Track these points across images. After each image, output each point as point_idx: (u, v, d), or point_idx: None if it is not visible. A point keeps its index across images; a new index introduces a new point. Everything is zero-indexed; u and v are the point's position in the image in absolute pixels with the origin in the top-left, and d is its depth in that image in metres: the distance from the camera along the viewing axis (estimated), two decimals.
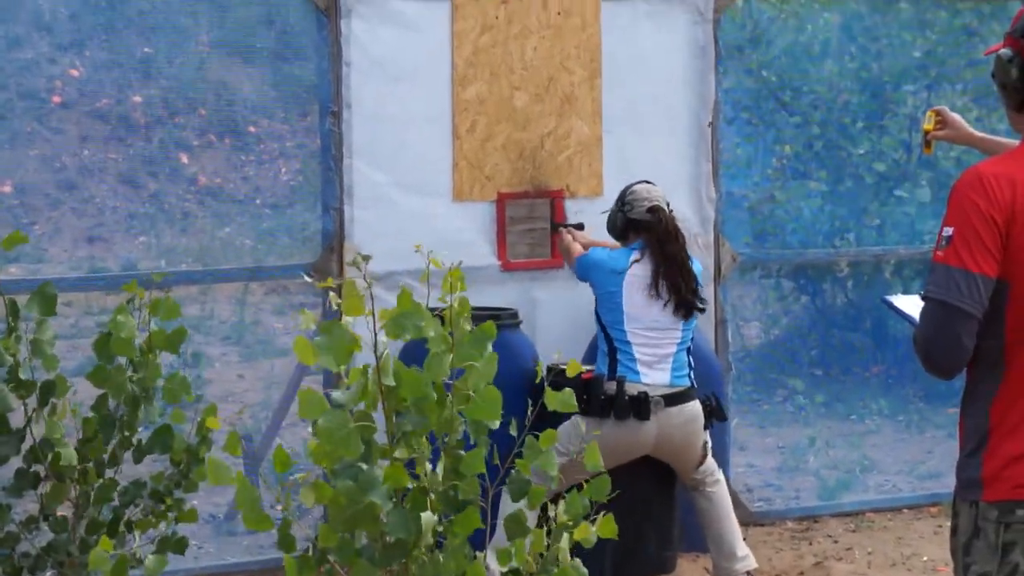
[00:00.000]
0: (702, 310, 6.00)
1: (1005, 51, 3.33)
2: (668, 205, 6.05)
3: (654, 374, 5.90)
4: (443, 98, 6.61)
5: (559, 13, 6.79)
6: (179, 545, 5.71)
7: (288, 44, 6.93)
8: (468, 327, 3.77)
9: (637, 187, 6.10)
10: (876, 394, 7.65)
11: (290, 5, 6.63)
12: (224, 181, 9.18)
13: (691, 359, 6.00)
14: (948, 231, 3.25)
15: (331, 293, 3.85)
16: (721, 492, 6.07)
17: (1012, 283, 3.22)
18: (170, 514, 5.71)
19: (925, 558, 6.52)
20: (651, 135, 6.94)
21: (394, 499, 3.59)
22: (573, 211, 6.82)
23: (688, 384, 5.93)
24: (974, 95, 7.66)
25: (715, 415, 6.01)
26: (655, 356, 5.90)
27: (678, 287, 5.92)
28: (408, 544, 3.58)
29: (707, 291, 6.91)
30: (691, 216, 6.92)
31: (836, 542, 6.82)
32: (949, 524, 3.39)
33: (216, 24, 7.74)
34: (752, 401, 7.63)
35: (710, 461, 6.04)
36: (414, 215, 6.56)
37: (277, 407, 7.00)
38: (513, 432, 4.03)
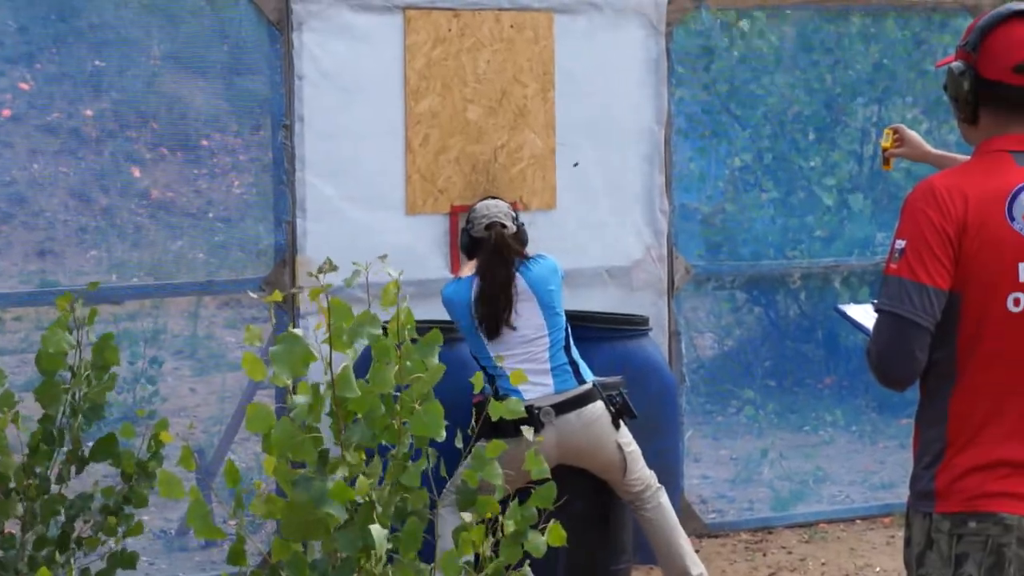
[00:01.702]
0: (513, 328, 5.82)
1: (957, 64, 3.34)
2: (515, 219, 5.97)
3: (536, 389, 5.76)
4: (396, 111, 6.60)
5: (512, 26, 6.80)
6: (129, 560, 5.68)
7: (240, 58, 6.89)
8: (412, 338, 3.77)
9: (479, 204, 6.05)
10: (829, 405, 7.68)
11: (242, 19, 6.60)
12: (176, 195, 9.14)
13: (574, 357, 5.86)
14: (901, 243, 3.25)
15: (296, 295, 3.87)
16: (662, 512, 5.94)
17: (964, 295, 3.23)
18: (120, 529, 5.69)
19: (878, 569, 6.54)
20: (604, 148, 6.95)
21: (346, 513, 3.58)
22: (526, 224, 6.82)
23: (575, 385, 5.80)
24: (924, 107, 7.70)
25: (624, 413, 5.85)
26: (530, 370, 5.72)
27: (492, 307, 5.81)
28: (358, 559, 3.57)
29: (660, 304, 6.93)
30: (645, 228, 6.93)
31: (790, 553, 6.83)
32: (902, 535, 3.39)
33: (168, 37, 7.71)
34: (706, 412, 7.63)
35: (643, 472, 5.91)
36: (367, 228, 6.55)
37: (230, 421, 6.96)
38: (459, 444, 4.04)
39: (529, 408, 5.61)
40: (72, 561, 5.77)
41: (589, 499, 6.11)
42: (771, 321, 7.94)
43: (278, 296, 3.88)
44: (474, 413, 5.52)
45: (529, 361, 5.81)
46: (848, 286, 7.78)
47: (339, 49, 6.51)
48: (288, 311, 6.50)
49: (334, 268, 3.81)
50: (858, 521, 7.28)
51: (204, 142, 9.15)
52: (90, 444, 5.78)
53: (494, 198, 6.16)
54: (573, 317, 6.62)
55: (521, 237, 6.00)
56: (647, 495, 5.95)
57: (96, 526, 5.80)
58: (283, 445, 3.56)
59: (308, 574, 3.58)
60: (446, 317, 6.53)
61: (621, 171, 6.94)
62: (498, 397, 5.70)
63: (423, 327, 4.12)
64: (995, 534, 3.22)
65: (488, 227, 5.92)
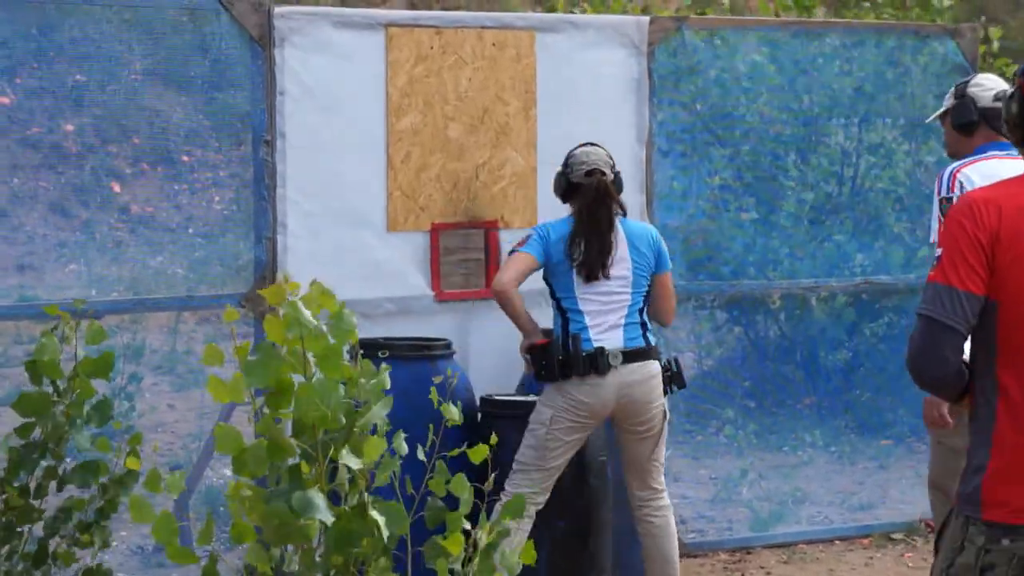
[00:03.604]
0: (607, 277, 5.94)
1: (1007, 90, 3.59)
2: (612, 168, 6.05)
3: (607, 337, 5.91)
4: (377, 128, 6.60)
5: (494, 44, 6.81)
6: (103, 575, 5.66)
7: (222, 73, 6.88)
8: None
9: (578, 150, 6.11)
10: (809, 426, 7.68)
11: (224, 34, 6.59)
12: (156, 210, 9.13)
13: (646, 319, 6.00)
14: (938, 252, 3.47)
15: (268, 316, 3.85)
16: (667, 525, 6.04)
17: (1000, 303, 3.38)
18: (96, 541, 5.68)
19: None
20: None
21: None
22: (507, 241, 6.83)
23: (643, 345, 5.95)
24: (904, 128, 7.72)
25: (675, 380, 6.03)
26: (606, 322, 5.92)
27: (590, 251, 5.91)
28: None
29: None
30: None
31: (768, 573, 6.83)
32: (889, 549, 3.44)
33: (149, 53, 7.69)
34: (686, 432, 7.63)
35: (661, 474, 6.03)
36: (348, 245, 6.55)
37: (208, 439, 6.94)
38: (421, 456, 4.04)
39: (600, 350, 5.82)
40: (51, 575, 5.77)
41: (570, 518, 6.15)
42: (751, 341, 7.94)
43: (234, 314, 3.88)
44: (534, 356, 5.91)
45: (608, 312, 5.93)
46: (827, 306, 7.79)
47: (321, 65, 6.51)
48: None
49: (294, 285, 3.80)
50: (837, 542, 7.29)
51: (185, 158, 9.13)
52: (69, 460, 5.79)
53: (593, 144, 6.17)
54: (551, 335, 6.63)
55: (618, 184, 6.09)
56: (661, 498, 6.04)
57: (71, 540, 5.80)
58: (254, 462, 3.55)
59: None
60: (426, 334, 6.54)
61: None
62: (567, 338, 5.89)
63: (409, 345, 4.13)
64: (1021, 552, 3.35)
65: (589, 174, 5.98)
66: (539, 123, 6.87)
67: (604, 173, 6.00)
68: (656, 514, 6.01)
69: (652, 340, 6.00)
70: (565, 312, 5.97)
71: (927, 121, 6.24)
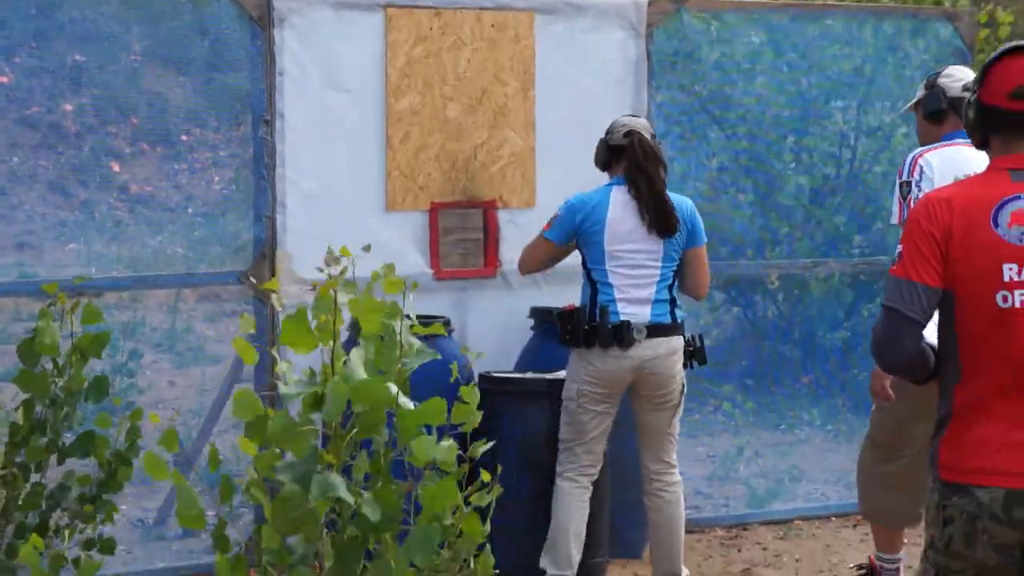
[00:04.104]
0: (678, 231, 6.00)
1: (968, 97, 3.97)
2: (652, 134, 6.09)
3: (634, 309, 5.97)
4: (376, 108, 6.64)
5: (493, 25, 6.83)
6: (106, 546, 5.70)
7: (221, 54, 6.90)
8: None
9: (619, 118, 6.17)
10: (806, 404, 7.72)
11: (223, 15, 6.61)
12: (156, 189, 9.15)
13: (675, 295, 6.06)
14: (899, 248, 3.81)
15: (273, 295, 3.91)
16: (677, 501, 6.08)
17: (957, 294, 3.75)
18: (98, 515, 5.72)
19: (851, 565, 6.59)
20: (584, 147, 6.91)
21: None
22: (506, 221, 6.87)
23: (669, 321, 6.00)
24: (903, 112, 7.75)
25: (696, 356, 6.09)
26: (635, 297, 5.98)
27: (652, 207, 5.95)
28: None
29: None
30: None
31: (765, 549, 6.88)
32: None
33: (148, 33, 7.70)
34: (685, 411, 7.66)
35: (674, 449, 6.09)
36: (347, 224, 6.56)
37: (208, 414, 6.99)
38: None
39: (627, 324, 5.89)
40: (53, 547, 5.81)
41: None
42: (749, 321, 7.98)
43: (275, 284, 3.91)
44: (562, 322, 5.99)
45: (636, 286, 5.99)
46: (825, 286, 7.83)
47: (320, 46, 6.54)
48: (267, 303, 6.53)
49: (367, 248, 3.87)
50: (833, 519, 7.34)
51: (184, 137, 9.15)
52: (68, 435, 5.83)
53: (634, 116, 6.25)
54: (549, 313, 6.68)
55: (661, 158, 6.08)
56: (673, 473, 6.08)
57: (73, 514, 5.85)
58: (279, 437, 3.57)
59: (289, 559, 3.61)
60: (425, 312, 6.57)
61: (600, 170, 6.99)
62: (594, 308, 5.95)
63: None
64: (970, 509, 3.75)
65: (628, 134, 6.01)
66: (537, 104, 6.91)
67: (643, 134, 6.02)
68: (668, 489, 6.06)
69: (679, 316, 6.05)
70: (595, 283, 6.03)
71: (902, 110, 6.32)
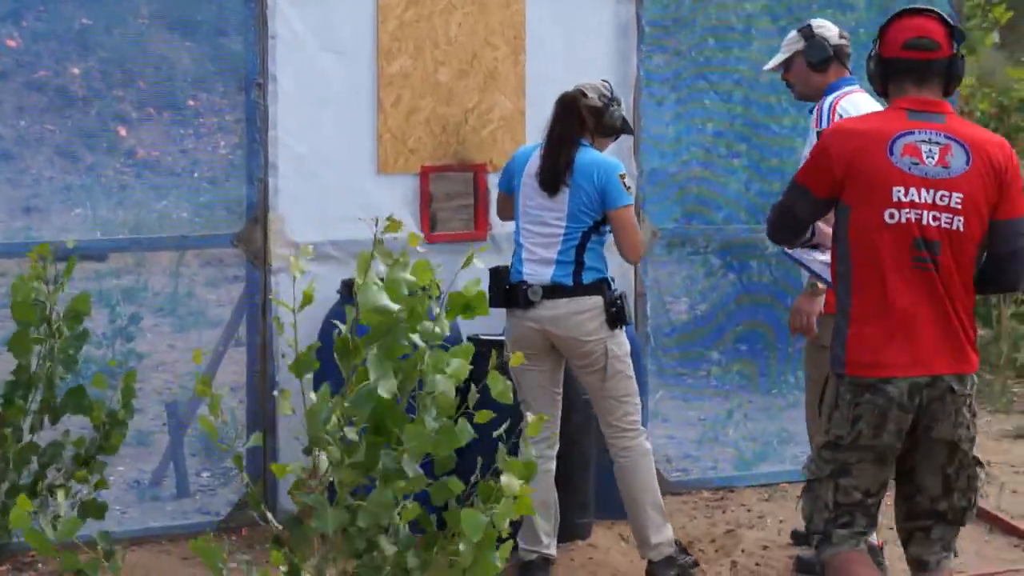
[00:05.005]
0: (566, 187, 5.90)
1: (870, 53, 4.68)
2: (608, 99, 5.99)
3: (537, 270, 5.94)
4: (368, 72, 6.69)
5: None
6: (99, 510, 5.80)
7: (225, 18, 6.97)
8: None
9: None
10: (797, 368, 7.77)
11: None
12: (162, 154, 9.25)
13: (584, 258, 5.93)
14: (806, 158, 4.66)
15: (292, 257, 4.15)
16: (633, 467, 5.94)
17: (852, 209, 4.47)
18: (91, 478, 5.82)
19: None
20: None
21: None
22: (494, 185, 6.92)
23: (570, 282, 5.91)
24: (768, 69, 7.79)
25: (618, 318, 5.91)
26: (540, 257, 5.94)
27: (544, 164, 5.92)
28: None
29: (627, 265, 6.99)
30: None
31: (749, 511, 6.94)
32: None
33: None
34: (677, 375, 7.74)
35: (631, 408, 5.94)
36: (339, 187, 6.65)
37: (203, 375, 7.08)
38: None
39: (521, 283, 5.92)
40: (47, 507, 5.91)
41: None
42: (743, 286, 8.03)
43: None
44: (491, 279, 5.96)
45: (543, 247, 5.96)
46: None
47: (312, 9, 6.59)
48: (260, 268, 6.62)
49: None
50: None
51: (191, 102, 9.23)
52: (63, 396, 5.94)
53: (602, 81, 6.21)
54: None
55: (603, 117, 5.99)
56: (625, 437, 5.94)
57: (67, 475, 5.94)
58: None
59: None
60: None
61: None
62: (509, 268, 6.01)
63: None
64: (881, 403, 4.40)
65: (559, 97, 6.02)
66: (527, 68, 6.94)
67: (584, 94, 5.98)
68: (622, 454, 5.97)
69: (587, 278, 5.91)
70: (516, 242, 6.07)
71: (765, 69, 6.37)
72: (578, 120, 5.97)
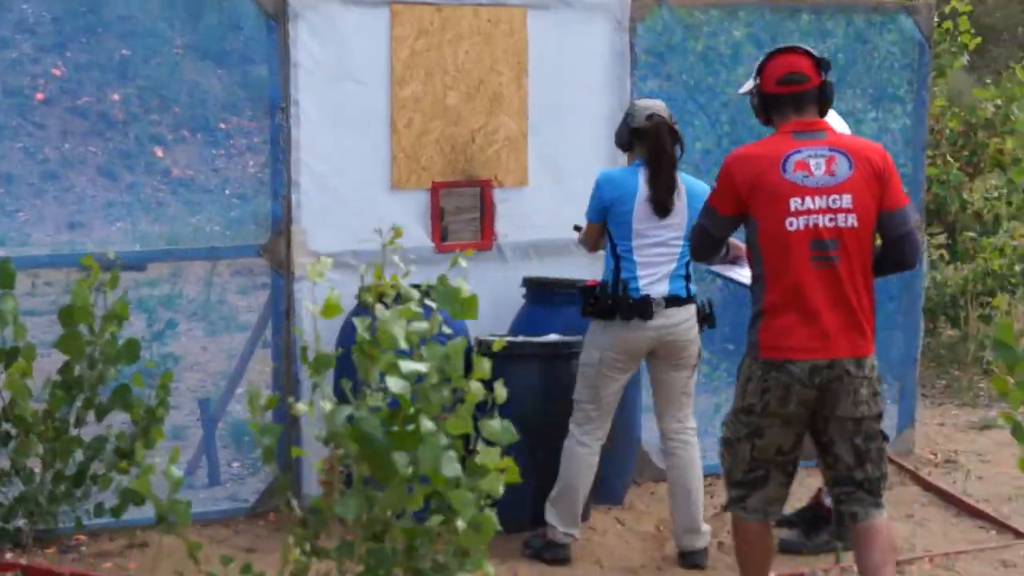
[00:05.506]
0: (669, 211, 6.26)
1: (752, 91, 5.34)
2: (670, 116, 6.36)
3: (654, 284, 6.29)
4: (382, 96, 7.04)
5: (489, 20, 7.25)
6: (139, 497, 6.13)
7: (252, 48, 7.22)
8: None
9: (638, 102, 6.46)
10: None
11: (245, 12, 6.93)
12: (196, 173, 9.70)
13: (690, 271, 6.39)
14: (714, 184, 5.31)
15: (309, 264, 4.54)
16: (690, 457, 6.41)
17: (758, 221, 5.17)
18: (132, 469, 6.23)
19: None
20: (572, 132, 7.39)
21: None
22: (501, 199, 7.34)
23: (685, 294, 6.35)
24: (871, 98, 8.20)
25: (707, 321, 6.45)
26: (655, 273, 6.28)
27: (659, 188, 6.24)
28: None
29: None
30: None
31: None
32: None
33: (189, 29, 8.18)
34: None
35: (691, 408, 6.48)
36: (356, 202, 6.98)
37: (231, 375, 7.49)
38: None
39: (646, 298, 6.29)
40: (90, 496, 6.34)
41: (551, 445, 6.57)
42: (731, 291, 8.44)
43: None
44: (585, 295, 6.37)
45: (659, 264, 6.31)
46: None
47: (331, 39, 6.91)
48: (284, 276, 6.98)
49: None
50: (802, 470, 7.76)
51: (222, 125, 9.67)
52: (107, 395, 6.31)
53: (652, 100, 6.55)
54: (539, 283, 7.25)
55: (678, 136, 6.36)
56: (688, 432, 6.46)
57: (109, 466, 6.37)
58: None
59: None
60: (426, 282, 7.09)
61: (588, 152, 7.37)
62: (616, 283, 6.30)
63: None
64: (785, 380, 5.14)
65: (649, 118, 6.30)
66: (530, 92, 7.30)
67: (663, 117, 6.32)
68: (683, 448, 6.43)
69: (693, 289, 6.39)
70: (619, 258, 6.30)
71: (740, 92, 6.82)
72: (674, 143, 6.34)
